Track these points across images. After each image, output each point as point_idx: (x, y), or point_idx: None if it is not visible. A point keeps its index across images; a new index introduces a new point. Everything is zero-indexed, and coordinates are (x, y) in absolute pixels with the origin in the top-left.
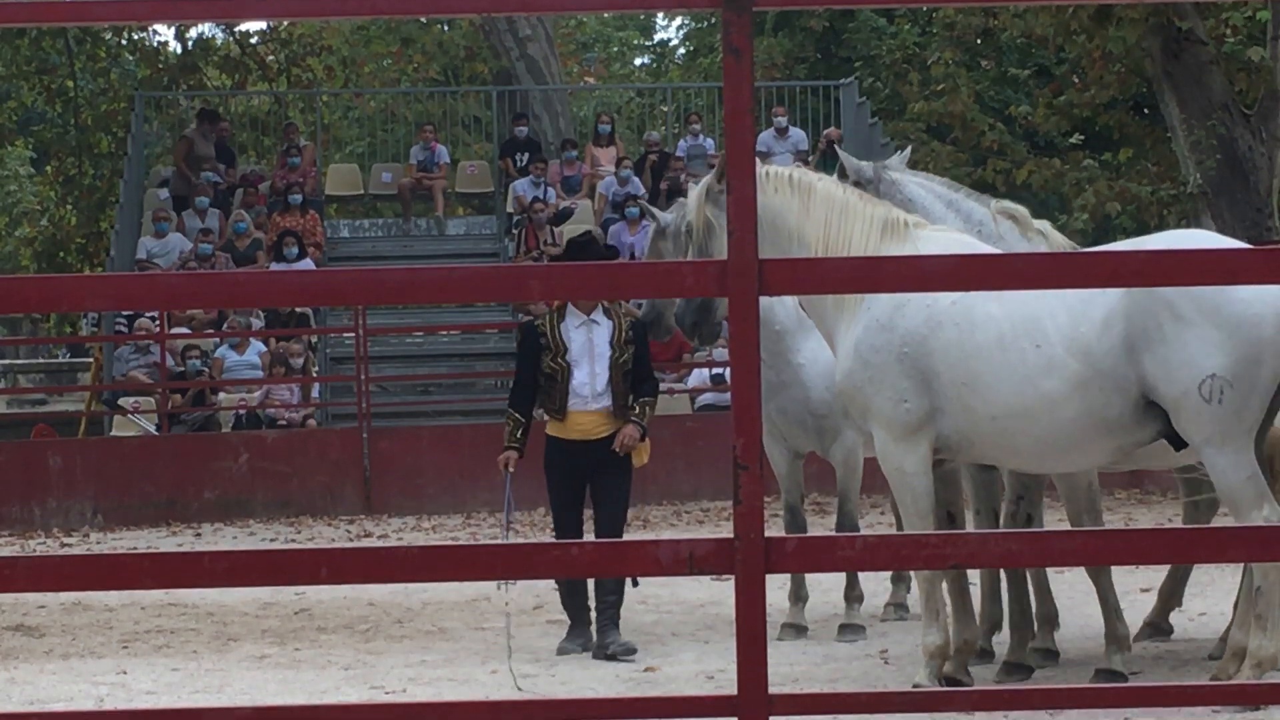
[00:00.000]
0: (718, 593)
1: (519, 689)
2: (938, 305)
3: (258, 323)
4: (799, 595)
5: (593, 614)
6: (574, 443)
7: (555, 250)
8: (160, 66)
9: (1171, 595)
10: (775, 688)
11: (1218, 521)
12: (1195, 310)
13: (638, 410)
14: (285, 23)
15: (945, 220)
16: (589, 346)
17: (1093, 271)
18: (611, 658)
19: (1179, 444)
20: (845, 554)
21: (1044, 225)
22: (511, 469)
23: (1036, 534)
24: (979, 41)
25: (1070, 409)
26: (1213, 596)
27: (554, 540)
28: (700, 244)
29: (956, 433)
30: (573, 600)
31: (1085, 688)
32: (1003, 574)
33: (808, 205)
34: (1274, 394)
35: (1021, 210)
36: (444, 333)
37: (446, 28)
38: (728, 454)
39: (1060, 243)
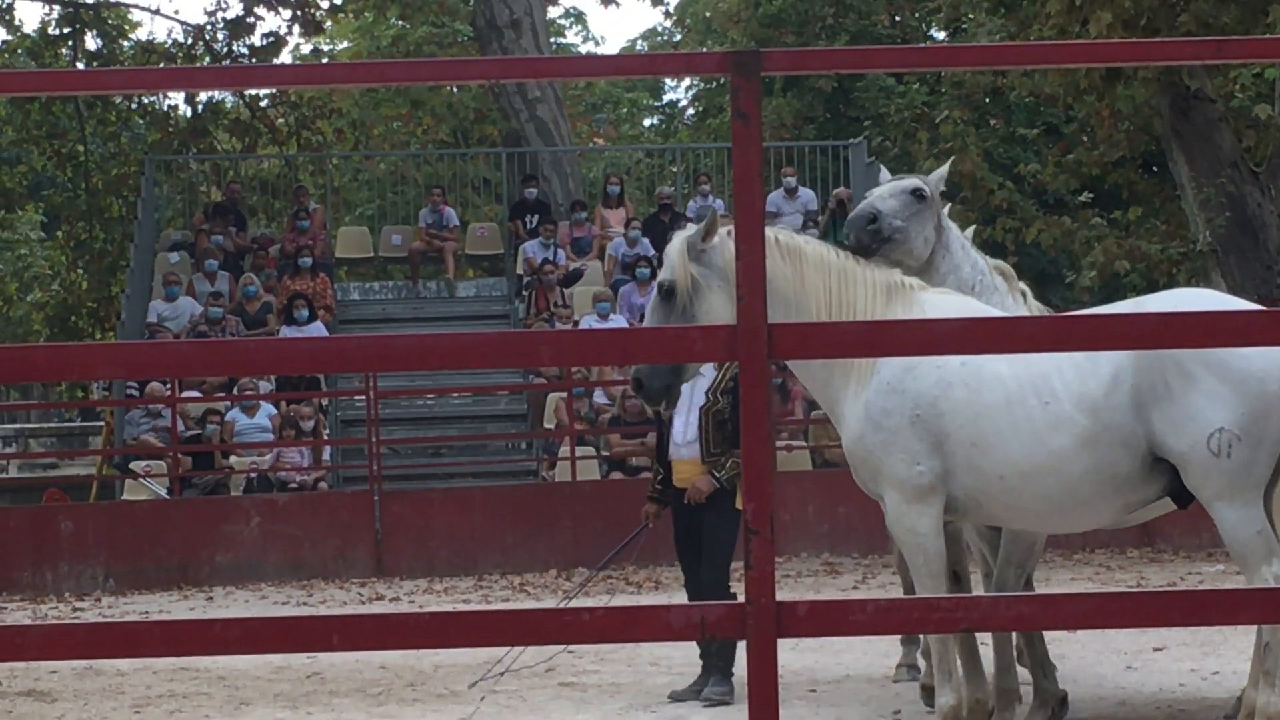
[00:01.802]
0: None
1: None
2: (948, 366)
3: (268, 385)
4: (910, 637)
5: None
6: (680, 491)
7: (566, 313)
8: (170, 130)
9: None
10: None
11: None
12: (1202, 366)
13: (725, 461)
14: (295, 87)
15: (959, 260)
16: (690, 397)
17: (1100, 334)
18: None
19: (1184, 501)
20: (857, 618)
21: (1023, 286)
22: (649, 521)
23: (1048, 597)
24: (987, 100)
25: (1078, 466)
26: (1225, 655)
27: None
28: (684, 304)
29: (965, 494)
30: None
31: None
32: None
33: (801, 271)
34: None
35: (1009, 269)
36: (455, 395)
37: (456, 90)
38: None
39: (1035, 306)
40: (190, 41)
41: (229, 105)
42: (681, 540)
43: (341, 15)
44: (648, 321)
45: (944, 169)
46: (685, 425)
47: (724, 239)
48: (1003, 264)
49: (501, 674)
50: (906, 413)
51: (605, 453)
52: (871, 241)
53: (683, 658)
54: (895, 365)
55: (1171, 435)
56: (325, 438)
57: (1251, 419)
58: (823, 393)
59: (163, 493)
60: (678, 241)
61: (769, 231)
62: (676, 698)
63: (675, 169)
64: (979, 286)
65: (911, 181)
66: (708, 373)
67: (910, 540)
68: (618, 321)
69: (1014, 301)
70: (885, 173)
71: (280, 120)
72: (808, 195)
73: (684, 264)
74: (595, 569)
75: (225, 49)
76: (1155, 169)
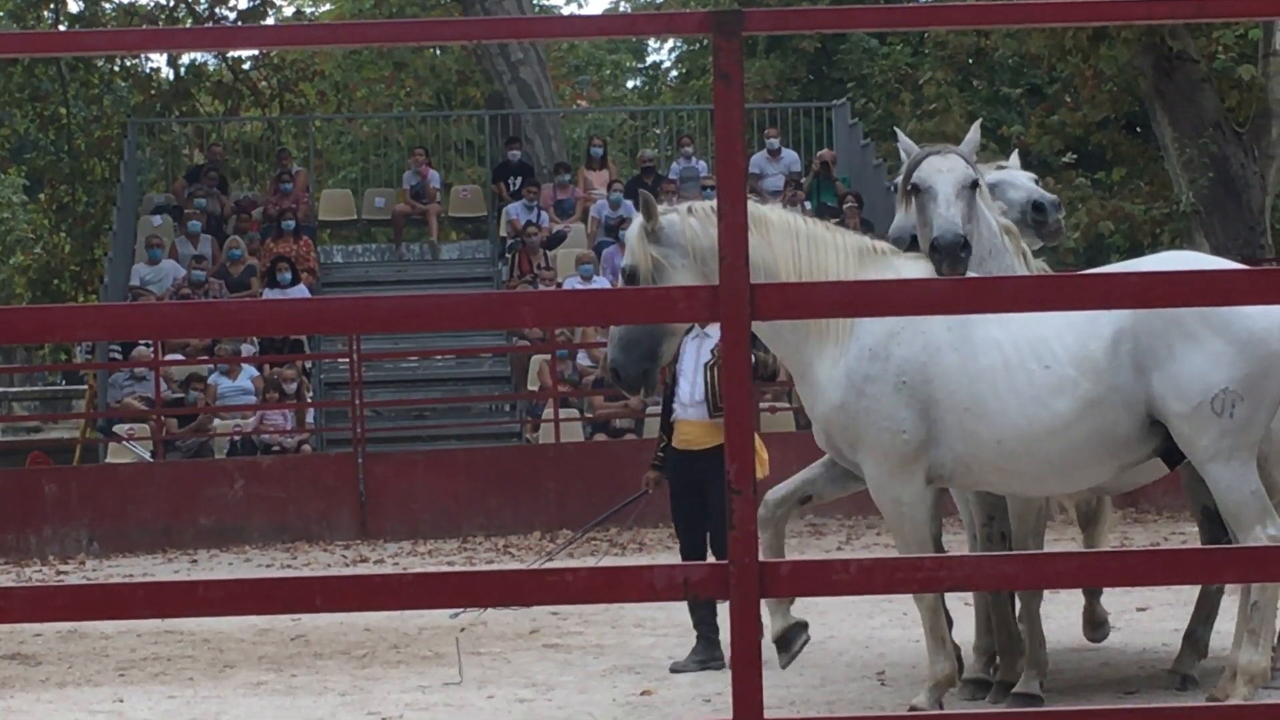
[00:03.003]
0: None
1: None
2: (934, 332)
3: (250, 348)
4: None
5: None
6: (683, 453)
7: (550, 275)
8: (153, 93)
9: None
10: (772, 710)
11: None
12: (1204, 326)
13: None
14: (277, 49)
15: (982, 227)
16: (695, 357)
17: (1087, 294)
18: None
19: (1174, 461)
20: (840, 578)
21: (1025, 246)
22: (649, 489)
23: (1032, 556)
24: (971, 61)
25: (1081, 429)
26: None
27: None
28: (648, 285)
29: (955, 460)
30: (699, 613)
31: (1083, 710)
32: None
33: (768, 238)
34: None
35: (1014, 228)
36: (438, 357)
37: (439, 52)
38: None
39: (1036, 266)
40: (173, 4)
41: (211, 68)
42: (679, 502)
43: None
44: None
45: (975, 135)
46: (692, 386)
47: (683, 216)
48: (1009, 223)
49: (483, 610)
50: (891, 379)
51: (589, 414)
52: (964, 267)
53: (667, 619)
54: (877, 331)
55: (1173, 396)
56: (308, 400)
57: (1254, 378)
58: (794, 358)
59: (146, 456)
60: (635, 225)
61: None
62: (677, 669)
63: (658, 131)
64: (993, 249)
65: (964, 172)
66: (714, 333)
67: (894, 509)
68: (601, 284)
69: (1018, 263)
70: (906, 140)
71: (263, 83)
72: (791, 157)
73: (643, 247)
74: (582, 530)
75: (207, 12)
76: (1139, 130)
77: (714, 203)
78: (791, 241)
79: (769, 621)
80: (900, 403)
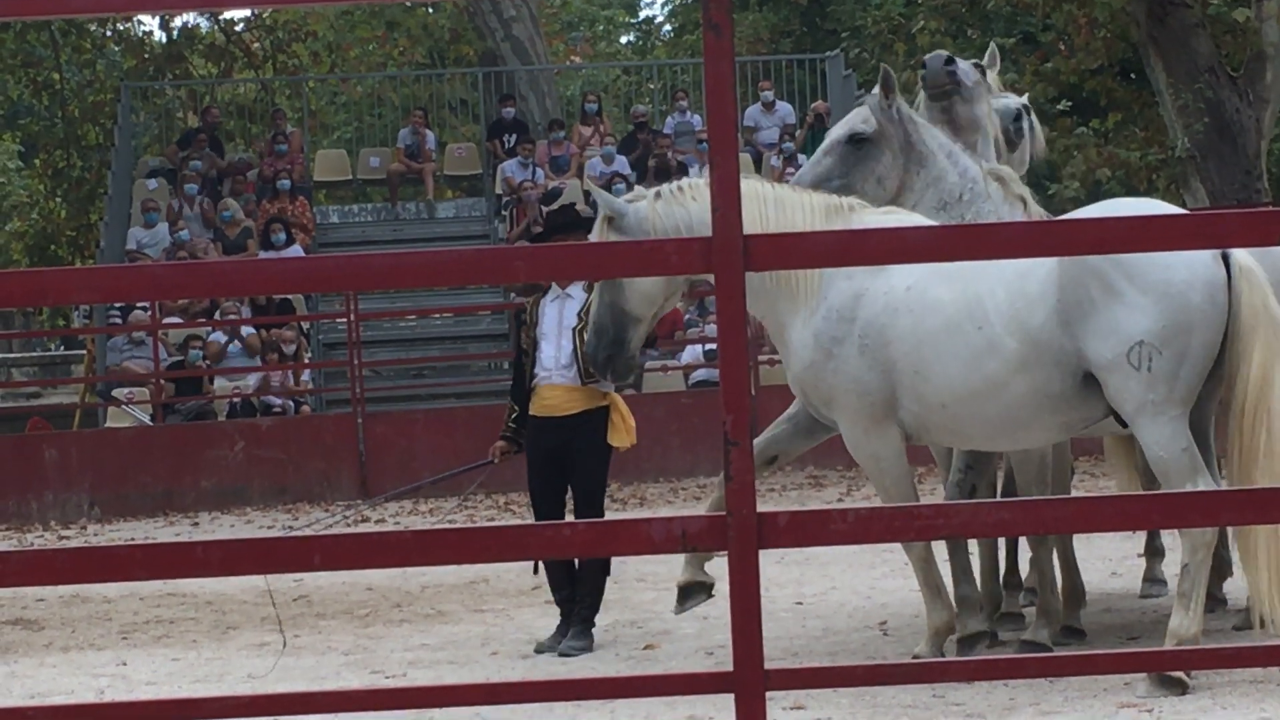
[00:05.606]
0: (717, 568)
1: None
2: (894, 293)
3: (246, 310)
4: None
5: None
6: (544, 420)
7: (537, 229)
8: (146, 57)
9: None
10: (775, 662)
11: None
12: (1124, 278)
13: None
14: (269, 10)
15: (940, 170)
16: (559, 320)
17: (1075, 239)
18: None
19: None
20: (838, 528)
21: (1025, 192)
22: (495, 459)
23: (1029, 503)
24: (964, 11)
25: (1016, 389)
26: None
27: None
28: None
29: (913, 419)
30: (559, 594)
31: (1083, 655)
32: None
33: None
34: (1213, 366)
35: (1008, 171)
36: (436, 316)
37: (431, 10)
38: (721, 430)
39: (1037, 212)
40: None
41: (204, 30)
42: (537, 473)
43: None
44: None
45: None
46: (557, 350)
47: (650, 202)
48: (1000, 168)
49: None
50: (856, 341)
51: None
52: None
53: (668, 573)
54: (844, 292)
55: (1093, 350)
56: (307, 361)
57: (1173, 331)
58: (770, 316)
59: (146, 419)
60: (602, 210)
61: (699, 180)
62: (541, 649)
63: (653, 86)
64: (967, 194)
65: (846, 126)
66: (576, 294)
67: (873, 465)
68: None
69: (1009, 208)
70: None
71: (256, 44)
72: (785, 109)
73: (601, 235)
74: (408, 487)
75: None
76: (1133, 76)
77: (686, 181)
78: (758, 206)
79: (683, 569)
80: (864, 365)
